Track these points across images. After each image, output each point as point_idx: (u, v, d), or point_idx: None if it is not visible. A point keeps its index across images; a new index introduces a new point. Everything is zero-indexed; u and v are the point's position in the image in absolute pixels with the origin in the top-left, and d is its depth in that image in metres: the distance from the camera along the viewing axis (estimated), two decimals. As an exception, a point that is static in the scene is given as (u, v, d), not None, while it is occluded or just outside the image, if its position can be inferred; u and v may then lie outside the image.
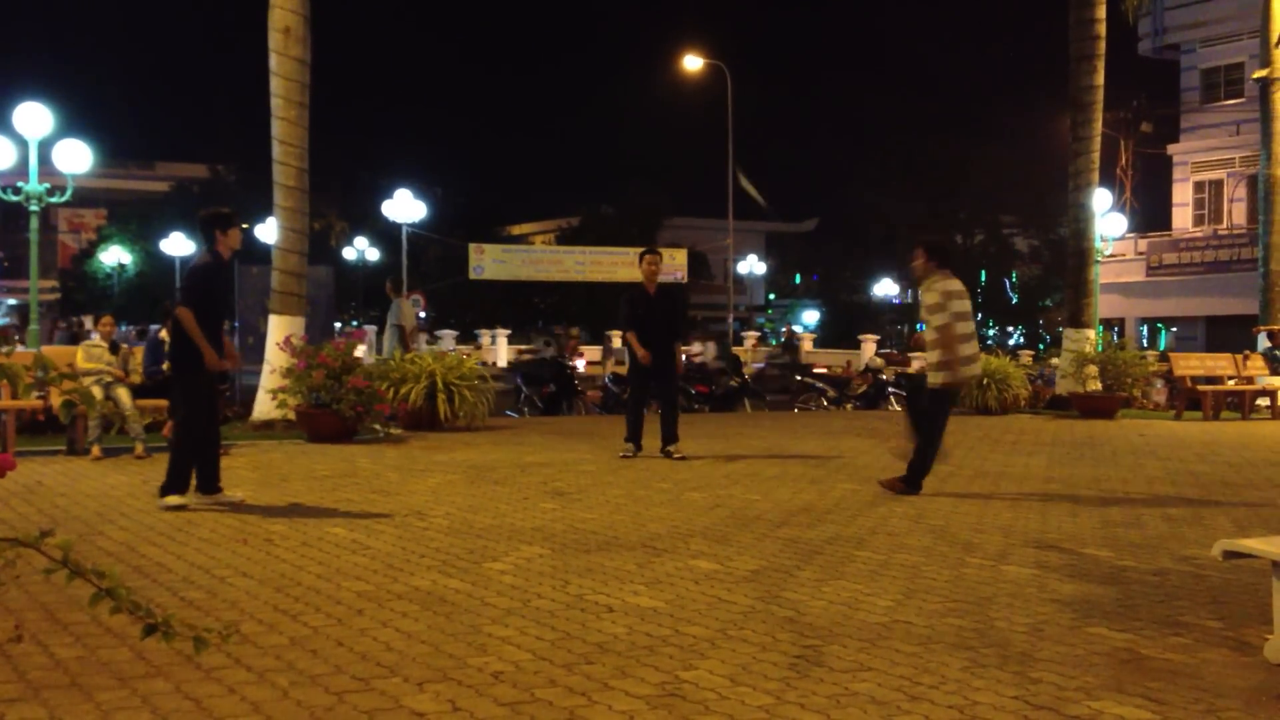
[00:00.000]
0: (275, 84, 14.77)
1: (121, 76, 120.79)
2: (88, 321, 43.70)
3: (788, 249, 79.67)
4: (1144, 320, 42.57)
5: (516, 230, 79.99)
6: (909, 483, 9.54)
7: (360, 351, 15.04)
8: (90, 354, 11.72)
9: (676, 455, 11.83)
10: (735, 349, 44.17)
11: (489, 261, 47.69)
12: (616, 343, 47.42)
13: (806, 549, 7.17)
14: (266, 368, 14.55)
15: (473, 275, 46.99)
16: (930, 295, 9.50)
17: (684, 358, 11.83)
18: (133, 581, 5.97)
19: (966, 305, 9.64)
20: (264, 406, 14.32)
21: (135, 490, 9.30)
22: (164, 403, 11.87)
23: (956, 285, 9.57)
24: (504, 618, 5.42)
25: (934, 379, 9.51)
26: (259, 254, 30.99)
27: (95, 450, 11.30)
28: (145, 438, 11.56)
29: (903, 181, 63.07)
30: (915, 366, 9.56)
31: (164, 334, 12.45)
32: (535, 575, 6.31)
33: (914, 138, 64.18)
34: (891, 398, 22.04)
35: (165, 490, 8.49)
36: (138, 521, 7.92)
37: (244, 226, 10.99)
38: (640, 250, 12.67)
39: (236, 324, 19.38)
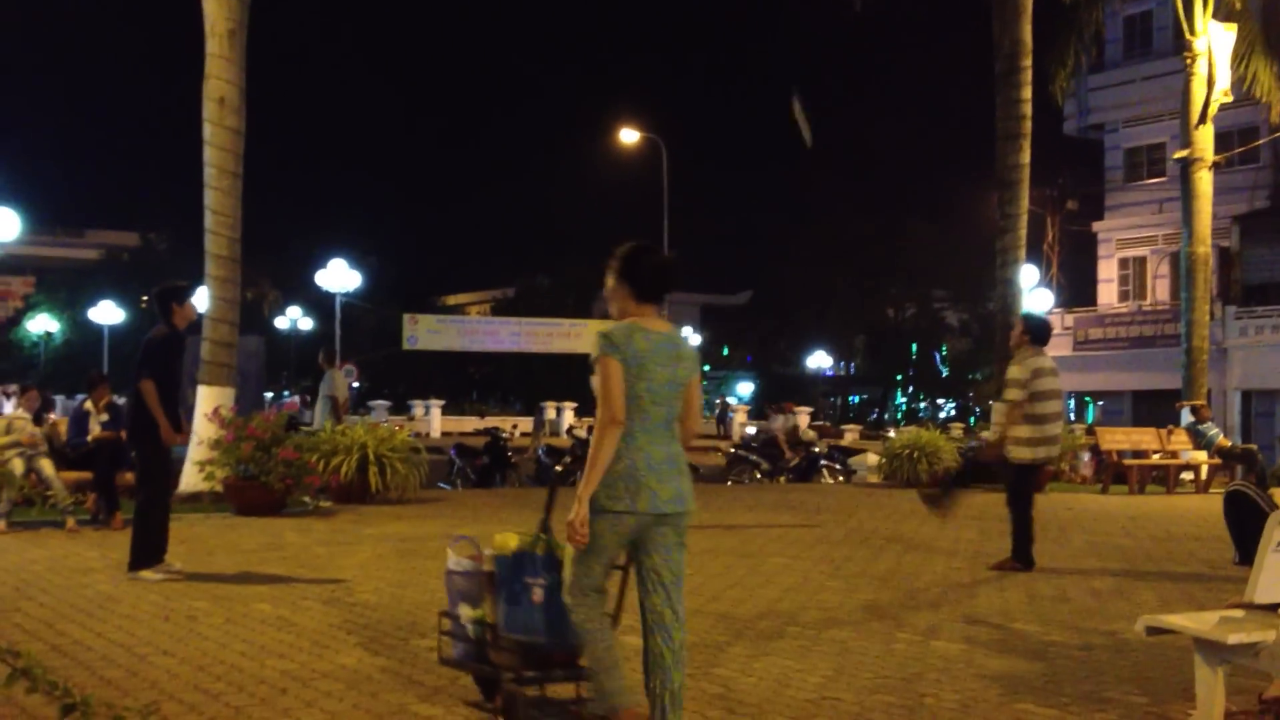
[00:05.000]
0: (209, 154, 14.73)
1: (52, 143, 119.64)
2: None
3: (722, 321, 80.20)
4: (1071, 394, 43.19)
5: (452, 300, 79.89)
6: (1019, 558, 9.68)
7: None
8: (13, 427, 11.48)
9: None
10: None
11: (423, 332, 47.55)
12: (551, 414, 47.41)
13: (737, 624, 7.16)
14: (194, 439, 14.33)
15: (406, 346, 46.82)
16: (1015, 369, 9.55)
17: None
18: (51, 660, 5.84)
19: (1055, 384, 9.67)
20: (191, 478, 14.10)
21: (56, 565, 9.10)
22: (88, 475, 11.68)
23: (1047, 363, 9.68)
24: (431, 696, 5.36)
25: (1015, 454, 9.57)
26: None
27: (1, 525, 10.98)
28: (74, 511, 11.26)
29: (835, 255, 63.90)
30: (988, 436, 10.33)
31: (88, 405, 12.26)
32: (464, 652, 6.24)
33: (846, 212, 65.22)
34: (824, 470, 22.12)
35: (138, 565, 8.50)
36: (57, 598, 7.74)
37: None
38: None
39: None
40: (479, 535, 11.78)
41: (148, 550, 8.55)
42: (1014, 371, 9.56)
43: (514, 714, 4.77)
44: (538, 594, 4.67)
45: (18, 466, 11.02)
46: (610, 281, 4.64)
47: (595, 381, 4.40)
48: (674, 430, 4.54)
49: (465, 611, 5.08)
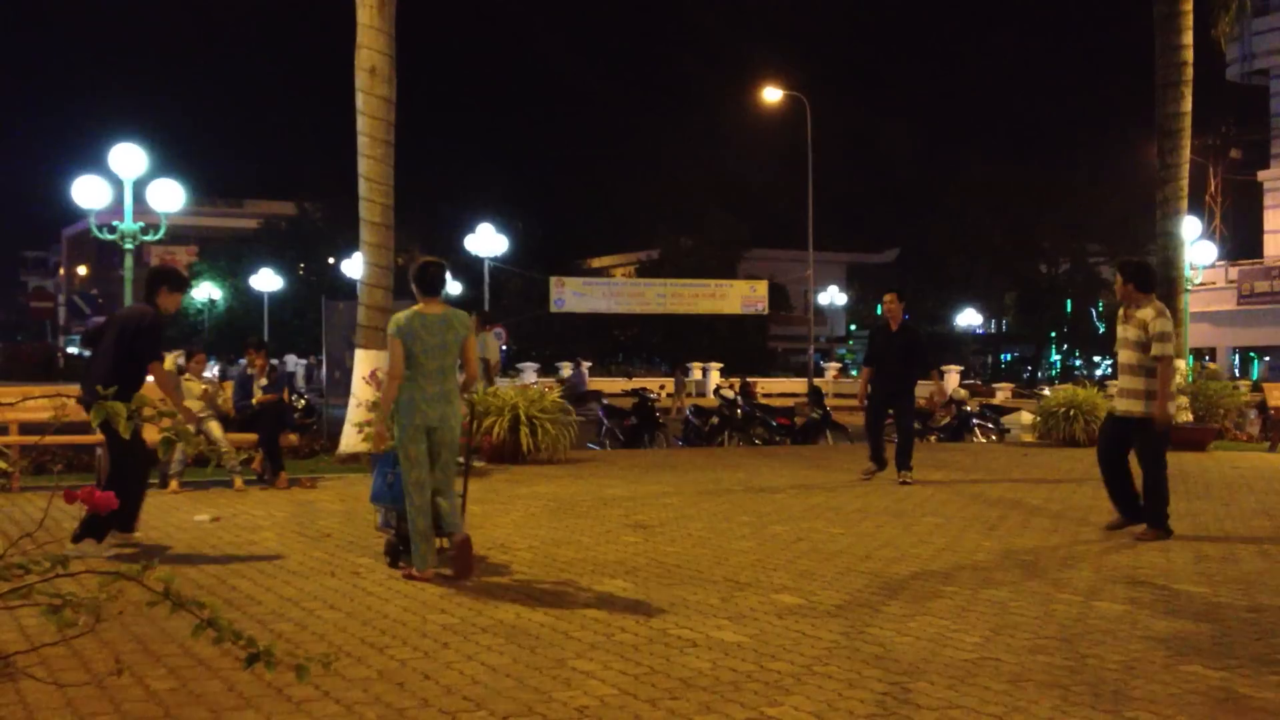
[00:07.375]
0: (361, 123, 15.02)
1: (212, 117, 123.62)
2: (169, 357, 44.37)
3: (869, 280, 79.23)
4: (1236, 349, 41.69)
5: (597, 263, 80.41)
6: (1157, 526, 8.92)
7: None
8: (182, 390, 11.93)
9: (901, 480, 12.51)
10: (817, 380, 43.95)
11: (570, 294, 48.09)
12: (698, 374, 47.51)
13: (891, 584, 7.10)
14: (353, 401, 14.73)
15: (554, 308, 47.39)
16: (1163, 321, 8.71)
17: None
18: (225, 614, 6.07)
19: None
20: (350, 440, 14.50)
21: (225, 523, 9.47)
22: (253, 437, 12.08)
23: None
24: (588, 651, 5.44)
25: (1154, 410, 8.77)
26: (345, 289, 31.48)
27: (174, 484, 11.47)
28: (241, 471, 11.76)
29: (985, 210, 62.56)
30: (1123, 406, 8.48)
31: (250, 369, 12.67)
32: (619, 609, 6.32)
33: (997, 166, 63.71)
34: (976, 429, 21.76)
35: (82, 535, 7.88)
36: (228, 554, 8.06)
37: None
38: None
39: (322, 357, 19.67)
40: (627, 495, 11.92)
41: (96, 524, 7.86)
42: (1164, 324, 8.73)
43: (390, 553, 7.57)
44: (390, 478, 7.49)
45: (191, 429, 11.45)
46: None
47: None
48: (448, 375, 7.16)
49: None
